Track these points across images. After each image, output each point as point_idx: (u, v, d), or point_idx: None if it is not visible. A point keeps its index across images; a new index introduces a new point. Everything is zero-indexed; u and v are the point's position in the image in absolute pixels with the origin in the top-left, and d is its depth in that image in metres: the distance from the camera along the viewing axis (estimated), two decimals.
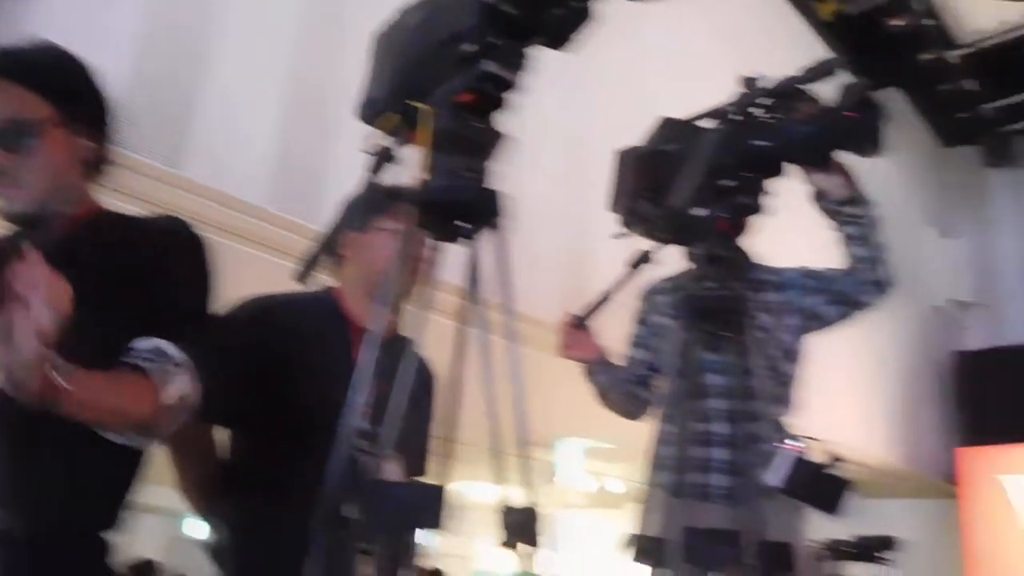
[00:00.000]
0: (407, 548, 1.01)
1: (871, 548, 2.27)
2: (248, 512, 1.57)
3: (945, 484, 6.63)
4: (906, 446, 6.31)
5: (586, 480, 6.64)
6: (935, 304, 6.89)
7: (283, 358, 1.58)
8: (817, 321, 2.01)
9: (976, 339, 7.07)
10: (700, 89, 1.75)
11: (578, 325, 2.19)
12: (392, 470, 1.66)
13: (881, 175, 6.24)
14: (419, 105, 1.18)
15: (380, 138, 1.28)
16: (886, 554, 2.27)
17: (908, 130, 6.78)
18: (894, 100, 6.66)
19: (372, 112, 1.27)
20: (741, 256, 1.59)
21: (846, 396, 5.55)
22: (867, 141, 1.42)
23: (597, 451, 6.16)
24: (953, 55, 5.78)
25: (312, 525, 1.04)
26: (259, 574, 1.53)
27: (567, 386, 2.40)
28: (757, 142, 1.42)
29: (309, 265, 1.24)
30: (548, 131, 3.69)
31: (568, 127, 3.75)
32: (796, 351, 2.03)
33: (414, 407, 1.77)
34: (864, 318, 2.00)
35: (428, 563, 6.46)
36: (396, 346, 1.18)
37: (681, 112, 1.72)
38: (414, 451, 1.70)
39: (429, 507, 0.95)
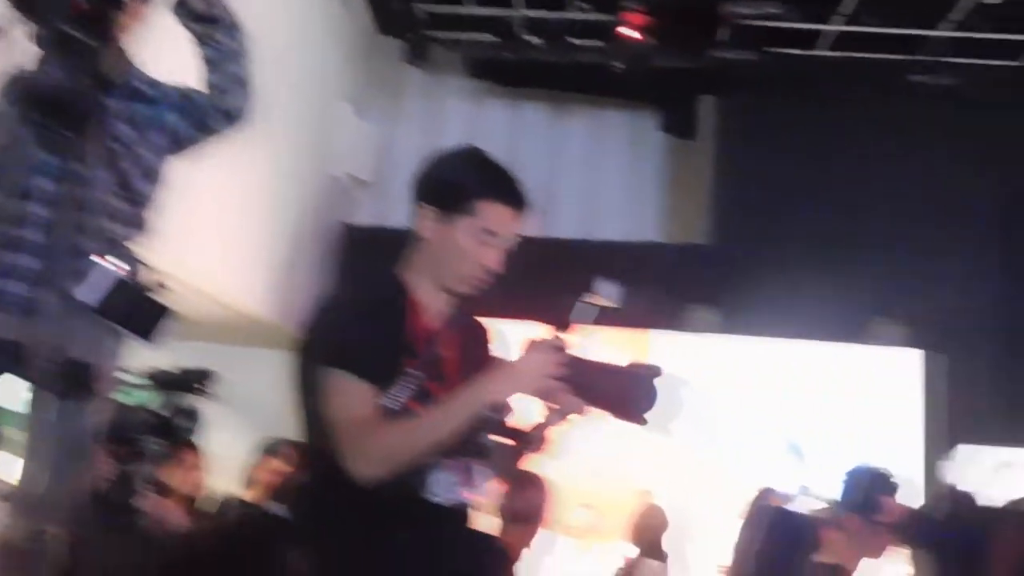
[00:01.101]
0: None
1: (190, 380, 2.33)
2: None
3: None
4: (283, 300, 6.67)
5: None
6: (335, 175, 7.35)
7: None
8: (176, 144, 1.93)
9: (365, 215, 7.74)
10: None
11: None
12: None
13: (315, 46, 6.34)
14: None
15: None
16: (205, 385, 2.35)
17: (351, 8, 6.99)
18: None
19: None
20: (102, 49, 1.42)
21: (235, 241, 5.63)
22: None
23: None
24: None
25: None
26: None
27: None
28: None
29: None
30: None
31: None
32: (156, 171, 1.93)
33: None
34: (214, 145, 1.97)
35: None
36: None
37: None
38: None
39: None
